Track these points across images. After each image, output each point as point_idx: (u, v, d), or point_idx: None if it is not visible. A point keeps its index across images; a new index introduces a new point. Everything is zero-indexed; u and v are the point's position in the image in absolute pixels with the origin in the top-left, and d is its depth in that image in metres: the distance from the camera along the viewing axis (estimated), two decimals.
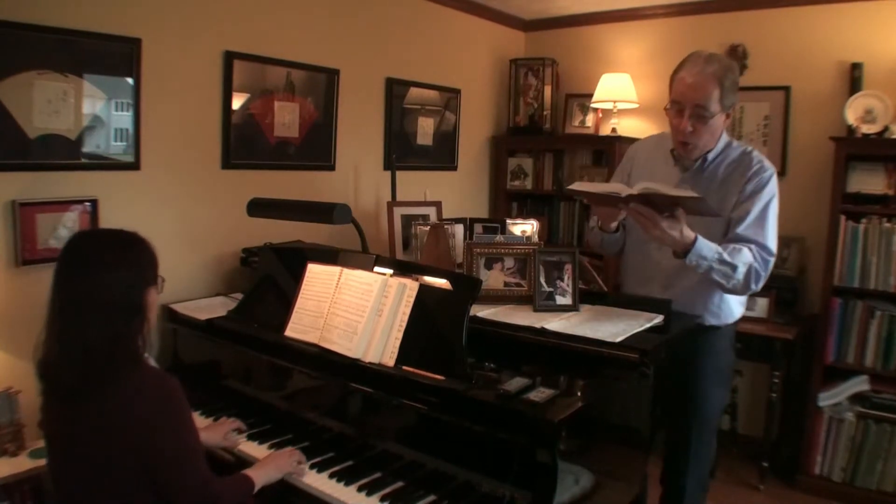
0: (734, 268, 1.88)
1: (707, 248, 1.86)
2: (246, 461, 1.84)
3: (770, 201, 2.00)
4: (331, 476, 1.72)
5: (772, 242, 1.98)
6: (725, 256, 1.88)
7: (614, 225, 2.12)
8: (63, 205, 2.27)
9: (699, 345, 2.07)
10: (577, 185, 1.94)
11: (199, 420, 2.07)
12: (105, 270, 1.41)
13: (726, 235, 1.99)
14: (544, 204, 4.24)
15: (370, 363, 1.80)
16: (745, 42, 3.65)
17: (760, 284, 1.95)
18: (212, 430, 1.91)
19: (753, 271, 1.92)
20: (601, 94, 3.85)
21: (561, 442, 1.47)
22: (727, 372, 2.25)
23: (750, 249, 1.92)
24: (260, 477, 1.62)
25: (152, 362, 1.64)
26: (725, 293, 2.06)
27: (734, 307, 2.14)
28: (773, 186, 2.01)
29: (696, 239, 1.84)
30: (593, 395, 1.65)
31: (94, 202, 2.34)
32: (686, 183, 2.05)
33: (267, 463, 1.70)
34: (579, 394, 1.65)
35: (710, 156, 2.06)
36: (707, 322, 2.08)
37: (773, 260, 1.97)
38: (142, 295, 1.46)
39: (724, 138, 2.08)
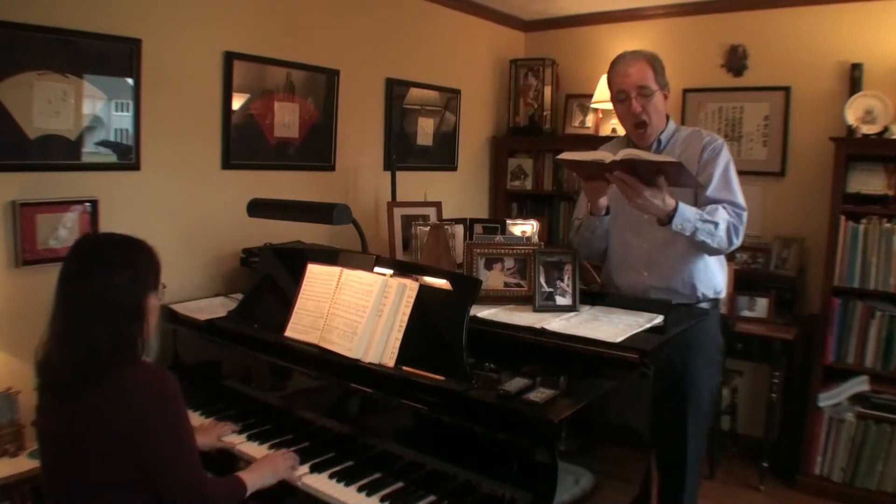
0: (716, 224, 2.00)
1: (689, 210, 1.97)
2: (245, 462, 1.84)
3: (728, 165, 2.13)
4: (331, 476, 1.72)
5: (740, 198, 2.10)
6: (706, 216, 2.00)
7: (603, 202, 2.14)
8: (63, 205, 2.27)
9: (688, 331, 2.08)
10: (565, 155, 1.99)
11: (199, 421, 2.07)
12: (107, 272, 1.44)
13: (696, 204, 2.08)
14: (544, 204, 4.24)
15: (370, 363, 1.80)
16: (745, 42, 3.65)
17: (741, 238, 2.08)
18: (205, 432, 1.91)
19: (732, 226, 2.04)
20: (601, 94, 3.84)
21: (561, 442, 1.46)
22: (717, 355, 2.28)
23: (724, 208, 2.05)
24: (253, 480, 1.62)
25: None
26: (710, 254, 2.14)
27: (718, 274, 2.22)
28: (726, 153, 2.15)
29: (677, 204, 1.94)
30: (593, 395, 1.65)
31: (94, 202, 2.34)
32: None
33: (262, 466, 1.70)
34: (579, 394, 1.65)
35: (663, 137, 2.20)
36: (698, 291, 2.16)
37: (745, 214, 2.10)
38: (142, 299, 1.48)
39: (672, 124, 2.23)
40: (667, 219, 1.94)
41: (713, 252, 2.11)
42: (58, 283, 1.46)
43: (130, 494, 1.41)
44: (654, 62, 2.15)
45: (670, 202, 1.91)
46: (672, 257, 2.14)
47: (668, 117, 2.22)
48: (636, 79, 2.12)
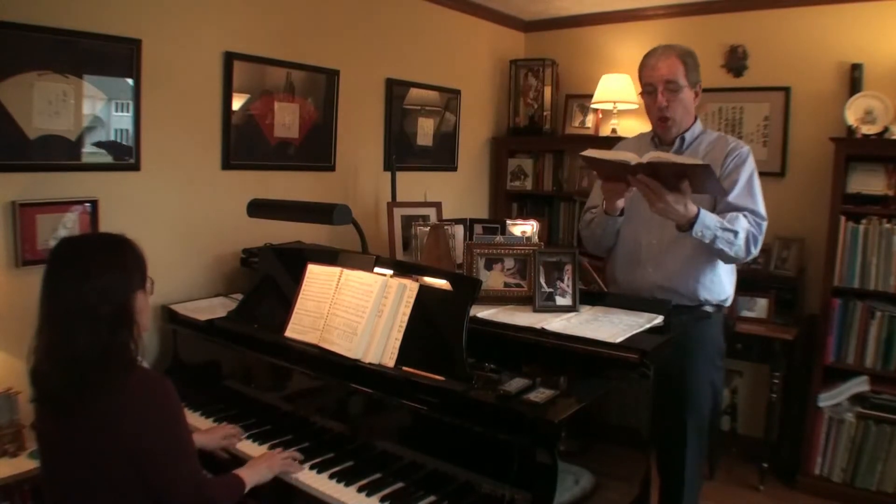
0: (736, 234, 1.99)
1: (710, 217, 1.95)
2: (243, 461, 1.84)
3: (752, 173, 2.13)
4: (331, 477, 1.72)
5: (762, 208, 2.10)
6: (727, 224, 1.98)
7: (620, 203, 2.12)
8: (63, 205, 2.27)
9: (690, 333, 2.09)
10: (589, 152, 1.97)
11: (199, 421, 2.07)
12: (89, 278, 1.37)
13: (715, 209, 2.06)
14: (544, 204, 4.24)
15: (370, 364, 1.80)
16: (745, 42, 3.65)
17: (758, 248, 2.07)
18: (209, 434, 1.91)
19: (751, 235, 2.03)
20: (601, 94, 3.84)
21: (561, 442, 1.47)
22: (718, 358, 2.28)
23: (745, 216, 2.03)
24: (251, 477, 1.63)
25: (146, 366, 1.62)
26: (726, 262, 2.13)
27: (726, 283, 2.21)
28: (752, 161, 2.14)
29: (699, 211, 1.92)
30: (593, 395, 1.65)
31: (94, 203, 2.34)
32: None
33: (258, 462, 1.71)
34: (579, 394, 1.65)
35: (688, 136, 2.19)
36: (701, 297, 2.14)
37: (765, 224, 2.09)
38: (129, 300, 1.42)
39: (699, 125, 2.22)
40: (687, 225, 1.93)
41: (730, 260, 2.10)
42: (41, 293, 1.40)
43: (130, 499, 1.40)
44: (686, 58, 2.13)
45: (692, 208, 1.90)
46: (680, 257, 2.12)
47: (696, 117, 2.21)
48: (664, 73, 2.11)
